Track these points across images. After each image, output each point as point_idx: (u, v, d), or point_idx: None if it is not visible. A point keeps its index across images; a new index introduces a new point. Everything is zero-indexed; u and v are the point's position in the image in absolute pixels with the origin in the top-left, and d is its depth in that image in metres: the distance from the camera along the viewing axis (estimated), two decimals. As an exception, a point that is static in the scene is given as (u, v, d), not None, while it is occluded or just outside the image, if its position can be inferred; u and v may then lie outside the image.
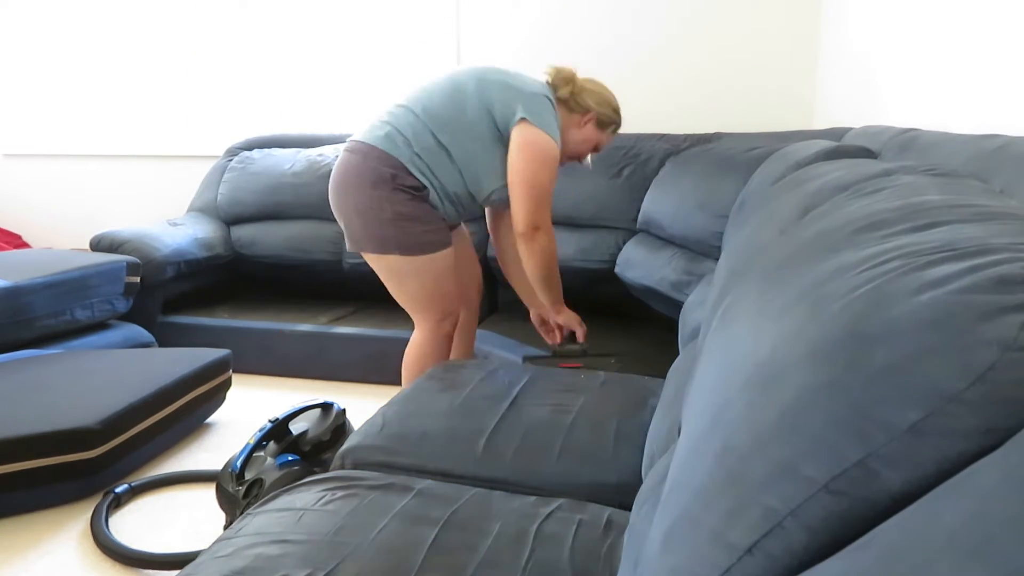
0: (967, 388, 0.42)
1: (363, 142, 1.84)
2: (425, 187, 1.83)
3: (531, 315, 2.21)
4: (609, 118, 1.99)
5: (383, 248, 1.84)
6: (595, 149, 2.03)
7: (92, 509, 1.79)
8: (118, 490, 1.82)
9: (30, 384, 1.99)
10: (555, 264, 1.92)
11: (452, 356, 2.17)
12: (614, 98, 2.02)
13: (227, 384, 2.32)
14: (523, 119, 1.79)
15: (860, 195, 0.86)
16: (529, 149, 1.79)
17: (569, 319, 2.07)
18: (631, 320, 2.66)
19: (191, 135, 3.75)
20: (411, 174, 1.81)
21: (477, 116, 1.82)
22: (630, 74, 3.13)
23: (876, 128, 1.89)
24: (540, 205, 1.81)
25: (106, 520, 1.71)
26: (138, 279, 2.68)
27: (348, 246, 1.93)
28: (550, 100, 1.88)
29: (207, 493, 1.90)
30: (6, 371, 2.08)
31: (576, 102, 1.96)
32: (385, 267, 1.89)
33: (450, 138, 1.82)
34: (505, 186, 1.87)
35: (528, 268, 1.90)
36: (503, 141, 1.85)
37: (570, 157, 2.02)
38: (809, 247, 0.74)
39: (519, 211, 1.82)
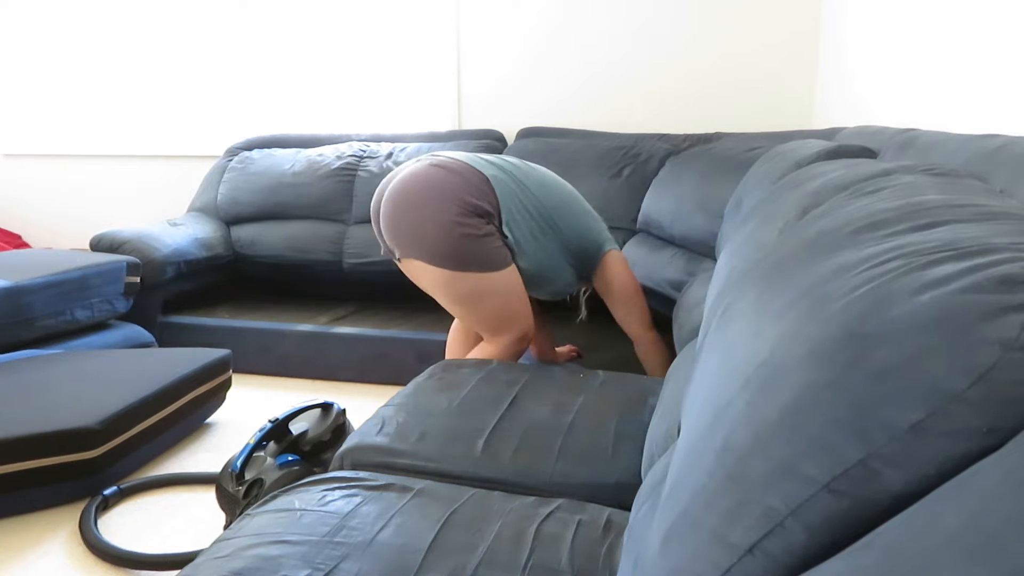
0: (968, 388, 0.42)
1: (462, 163, 1.84)
2: (505, 235, 1.83)
3: (532, 349, 2.25)
4: None
5: (461, 265, 1.77)
6: None
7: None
8: (106, 492, 1.82)
9: (30, 384, 1.99)
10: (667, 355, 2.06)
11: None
12: None
13: (227, 384, 2.32)
14: (609, 250, 2.00)
15: (860, 195, 0.86)
16: (627, 268, 2.01)
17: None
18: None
19: (191, 135, 3.75)
20: (499, 217, 1.82)
21: (572, 233, 1.94)
22: (630, 74, 3.13)
23: (874, 128, 1.89)
24: (646, 308, 2.04)
25: (95, 521, 1.71)
26: (138, 279, 2.68)
27: (401, 254, 1.86)
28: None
29: (206, 494, 1.90)
30: (6, 371, 2.08)
31: None
32: (460, 288, 1.80)
33: (543, 224, 1.89)
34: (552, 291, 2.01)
35: (651, 360, 2.06)
36: (575, 258, 1.97)
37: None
38: (809, 247, 0.74)
39: (643, 317, 2.01)
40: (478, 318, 1.86)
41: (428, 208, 1.77)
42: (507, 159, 1.95)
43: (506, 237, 1.83)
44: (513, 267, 1.84)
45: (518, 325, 1.86)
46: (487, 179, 1.82)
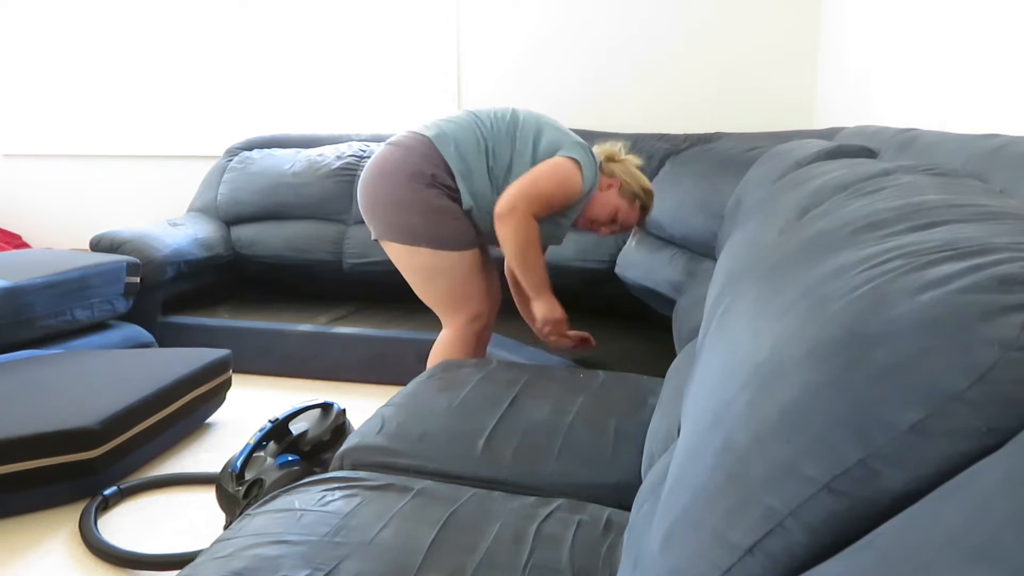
0: (968, 388, 0.42)
1: (411, 133, 1.91)
2: (458, 189, 1.87)
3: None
4: (631, 189, 2.02)
5: (413, 239, 1.85)
6: (615, 221, 2.04)
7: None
8: (106, 492, 1.82)
9: (30, 384, 1.99)
10: (527, 254, 1.86)
11: None
12: (645, 181, 2.06)
13: (227, 384, 2.32)
14: (566, 156, 1.89)
15: (859, 195, 0.86)
16: (557, 167, 1.86)
17: (543, 309, 1.96)
18: (631, 320, 2.66)
19: (191, 135, 3.75)
20: (450, 173, 1.86)
21: (524, 143, 1.90)
22: (630, 74, 3.13)
23: (874, 128, 1.89)
24: (529, 197, 1.82)
25: (95, 522, 1.71)
26: (138, 279, 2.68)
27: (374, 234, 1.94)
28: (593, 155, 1.95)
29: (206, 494, 1.90)
30: (6, 371, 2.08)
31: (606, 167, 2.04)
32: (415, 263, 1.90)
33: (494, 146, 1.89)
34: None
35: (503, 250, 1.89)
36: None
37: (590, 220, 2.04)
38: (809, 247, 0.74)
39: (509, 191, 1.83)
40: (432, 297, 1.94)
41: (380, 186, 1.87)
42: (474, 112, 1.96)
43: (458, 193, 1.86)
44: (465, 253, 1.88)
45: (470, 307, 1.93)
46: (430, 140, 1.87)
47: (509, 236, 1.84)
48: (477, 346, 2.02)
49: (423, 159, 1.85)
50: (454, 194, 1.88)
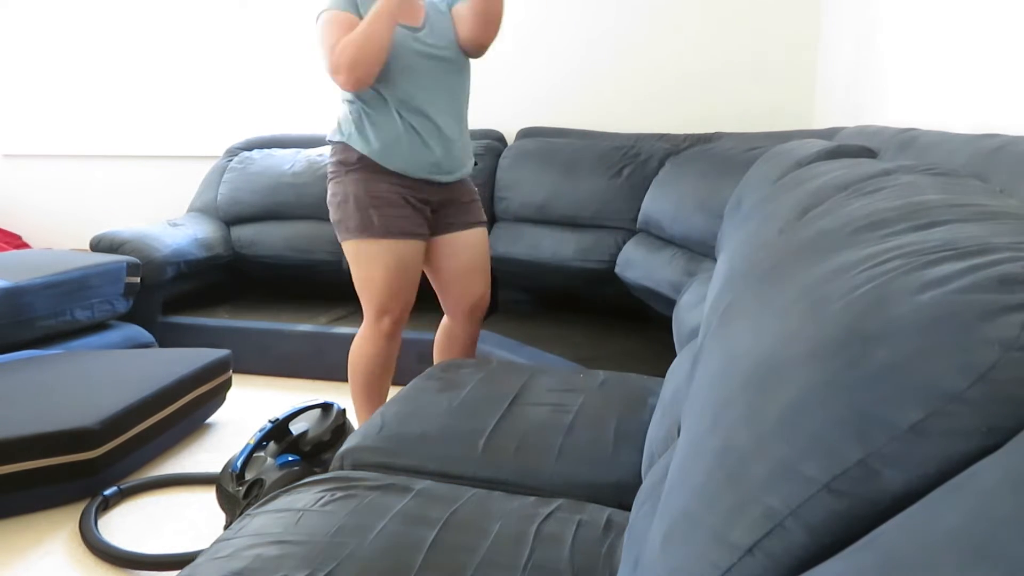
0: (968, 388, 0.42)
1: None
2: (364, 155, 1.86)
3: None
4: None
5: (339, 234, 1.92)
6: None
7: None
8: (107, 492, 1.82)
9: (30, 384, 1.99)
10: (362, 46, 1.73)
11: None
12: None
13: (227, 384, 2.32)
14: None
15: (860, 195, 0.86)
16: (319, 29, 1.83)
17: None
18: (631, 320, 2.66)
19: (191, 135, 3.75)
20: (351, 148, 1.88)
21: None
22: (630, 74, 3.13)
23: (874, 128, 1.89)
24: (327, 58, 1.79)
25: (95, 522, 1.71)
26: (138, 279, 2.68)
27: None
28: None
29: (206, 494, 1.90)
30: (6, 371, 2.08)
31: None
32: (346, 256, 1.93)
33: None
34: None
35: (366, 68, 1.79)
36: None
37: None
38: (809, 247, 0.74)
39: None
40: (355, 284, 1.94)
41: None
42: None
43: (362, 160, 1.85)
44: (384, 242, 1.84)
45: (375, 300, 1.88)
46: (331, 142, 1.96)
47: (352, 72, 1.76)
48: (388, 350, 1.94)
49: (330, 157, 1.95)
50: (356, 165, 1.85)
